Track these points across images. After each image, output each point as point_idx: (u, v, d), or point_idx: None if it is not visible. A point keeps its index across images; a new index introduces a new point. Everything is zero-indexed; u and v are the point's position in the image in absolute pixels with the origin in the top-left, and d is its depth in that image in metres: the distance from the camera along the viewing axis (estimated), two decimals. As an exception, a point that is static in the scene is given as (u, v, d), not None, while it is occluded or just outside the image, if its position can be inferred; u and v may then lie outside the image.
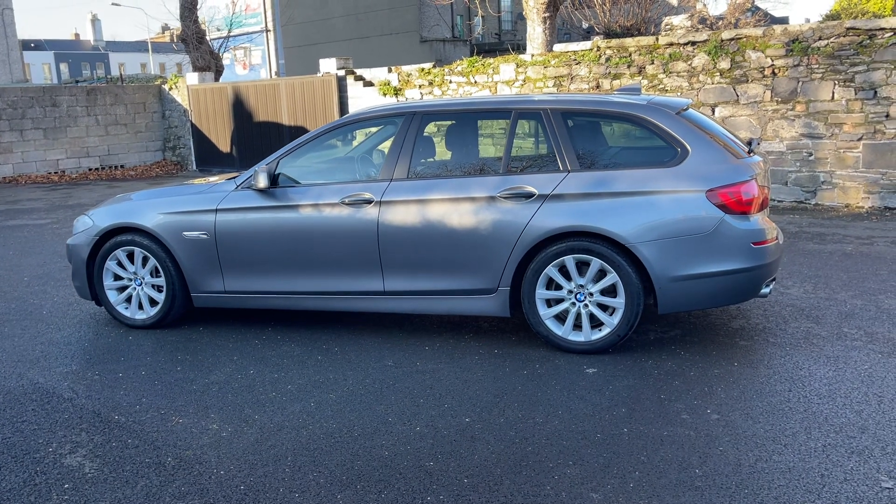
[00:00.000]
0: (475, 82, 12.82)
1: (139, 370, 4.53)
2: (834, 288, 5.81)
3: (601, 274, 4.50)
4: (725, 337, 4.80)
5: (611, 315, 4.52)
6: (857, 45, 9.22)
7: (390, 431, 3.62)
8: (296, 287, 5.04)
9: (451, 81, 13.13)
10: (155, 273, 5.29)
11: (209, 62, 21.42)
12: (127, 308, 5.40)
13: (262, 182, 4.92)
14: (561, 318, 4.63)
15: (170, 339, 5.09)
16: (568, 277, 4.56)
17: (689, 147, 4.44)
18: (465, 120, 5.03)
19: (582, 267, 4.53)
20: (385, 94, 14.12)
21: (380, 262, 4.83)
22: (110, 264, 5.36)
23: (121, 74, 24.70)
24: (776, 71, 9.81)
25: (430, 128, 4.98)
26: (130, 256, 5.33)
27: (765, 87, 9.91)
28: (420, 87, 13.62)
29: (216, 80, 19.43)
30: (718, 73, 10.25)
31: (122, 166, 18.20)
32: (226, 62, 34.87)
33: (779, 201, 10.03)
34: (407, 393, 4.07)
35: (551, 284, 4.60)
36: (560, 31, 35.85)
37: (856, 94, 9.27)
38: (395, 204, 4.77)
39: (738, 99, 10.14)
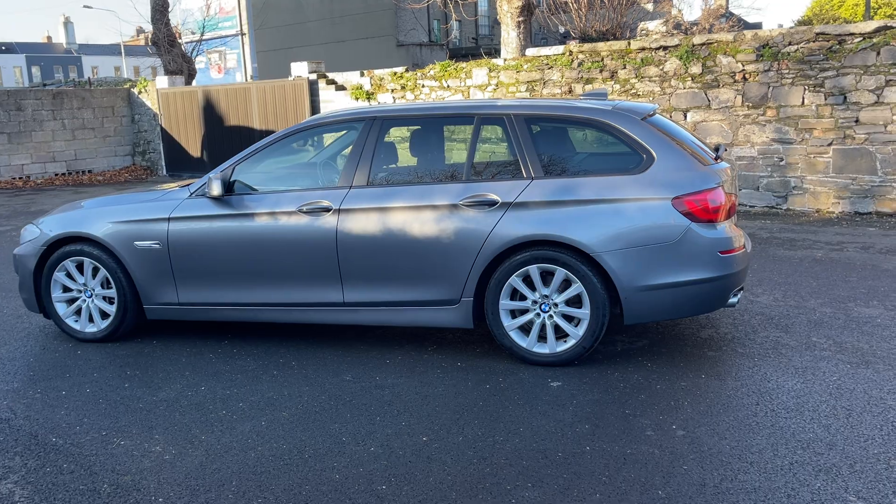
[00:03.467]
0: (448, 87, 12.70)
1: (84, 387, 4.33)
2: (803, 295, 5.73)
3: (566, 284, 4.38)
4: (693, 347, 4.69)
5: (576, 326, 4.40)
6: (827, 50, 9.21)
7: (343, 452, 3.45)
8: (252, 298, 4.86)
9: (423, 86, 13.00)
10: (106, 284, 5.08)
11: (181, 66, 21.12)
12: (77, 321, 5.19)
13: (216, 190, 4.74)
14: (526, 329, 4.49)
15: (120, 354, 4.89)
16: (532, 287, 4.43)
17: (654, 153, 4.33)
18: (427, 125, 4.88)
19: (546, 277, 4.40)
20: (357, 98, 13.95)
21: (339, 273, 4.67)
22: (59, 275, 5.14)
23: (89, 78, 24.31)
24: (747, 76, 9.78)
25: (392, 133, 4.84)
26: (80, 267, 5.12)
27: (736, 92, 9.88)
28: (392, 91, 13.47)
29: (189, 83, 19.15)
30: (690, 78, 10.20)
31: (89, 171, 17.86)
32: (200, 66, 34.51)
33: (750, 206, 10.00)
34: (363, 410, 3.91)
35: (515, 295, 4.47)
36: (537, 35, 35.89)
37: (826, 99, 9.25)
38: (354, 212, 4.61)
39: (709, 104, 10.10)
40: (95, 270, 5.08)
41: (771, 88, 9.63)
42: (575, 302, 4.39)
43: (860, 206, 9.24)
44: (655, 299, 4.30)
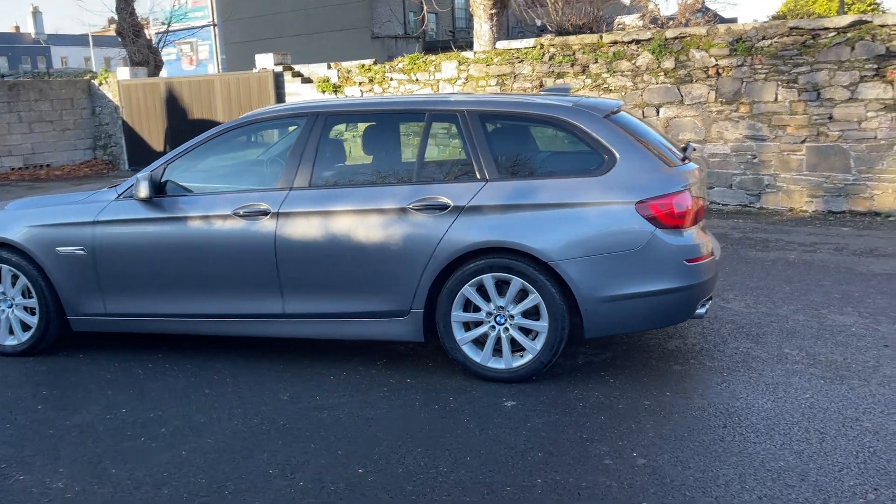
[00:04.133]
0: (417, 80, 12.33)
1: (-7, 409, 3.95)
2: (776, 301, 5.47)
3: (523, 294, 4.06)
4: (659, 360, 4.40)
5: (534, 340, 4.08)
6: (801, 45, 8.97)
7: (269, 487, 3.11)
8: (185, 309, 4.49)
9: (392, 79, 12.62)
10: (27, 293, 4.68)
11: (147, 57, 20.54)
12: (-4, 333, 4.79)
13: (144, 191, 4.36)
14: (481, 342, 4.17)
15: (40, 370, 4.50)
16: (487, 298, 4.10)
17: (616, 154, 4.02)
18: (374, 122, 4.53)
19: (502, 286, 4.08)
20: (324, 91, 13.54)
21: (278, 282, 4.31)
22: (-25, 284, 4.74)
23: (48, 69, 23.60)
24: (720, 71, 9.52)
25: (337, 130, 4.48)
26: (-1, 275, 4.72)
27: (709, 87, 9.62)
28: (360, 84, 13.08)
29: (156, 75, 18.61)
30: (663, 73, 9.93)
31: (47, 166, 17.26)
32: (171, 58, 33.74)
33: (723, 205, 9.75)
34: (298, 436, 3.57)
35: (469, 306, 4.14)
36: (514, 29, 35.53)
37: (799, 95, 9.02)
38: (294, 216, 4.26)
39: (682, 99, 9.84)
40: (15, 278, 4.68)
41: (744, 84, 9.38)
42: (532, 313, 4.08)
43: (833, 205, 9.03)
44: (618, 311, 3.99)
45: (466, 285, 4.08)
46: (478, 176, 4.12)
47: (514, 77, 11.18)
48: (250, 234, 4.30)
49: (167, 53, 33.74)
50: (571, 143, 4.18)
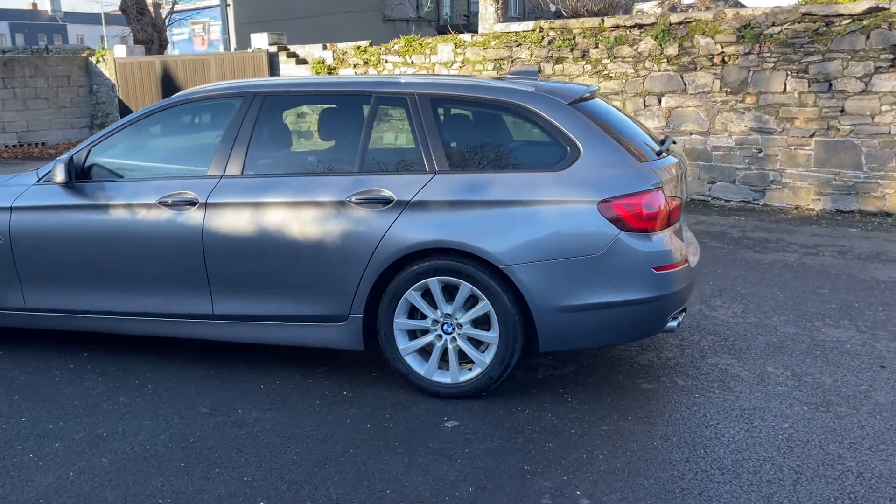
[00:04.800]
0: (412, 63, 11.87)
1: None
2: (766, 311, 5.00)
3: (473, 301, 3.63)
4: (627, 377, 3.96)
5: (484, 352, 3.66)
6: (813, 32, 8.43)
7: (152, 521, 2.71)
8: (109, 306, 4.10)
9: (386, 61, 12.16)
10: (-58, 284, 4.31)
11: (151, 35, 20.22)
12: (-88, 325, 4.42)
13: (60, 176, 3.96)
14: (428, 352, 3.75)
15: (-52, 369, 4.13)
16: (433, 304, 3.68)
17: (580, 146, 3.57)
18: (317, 104, 4.10)
19: (451, 292, 3.65)
20: (318, 73, 13.11)
21: (207, 280, 3.91)
22: None
23: (46, 46, 23.29)
24: (726, 59, 8.99)
25: (276, 112, 4.05)
26: (-86, 263, 4.34)
27: (714, 76, 9.09)
28: (355, 66, 12.64)
29: (161, 53, 18.27)
30: (666, 60, 9.41)
31: (42, 143, 16.96)
32: (183, 37, 33.38)
33: (726, 201, 9.25)
34: (204, 457, 3.17)
35: (415, 313, 3.72)
36: (531, 14, 34.85)
37: (809, 86, 8.48)
38: (223, 207, 3.85)
39: (685, 88, 9.32)
40: (-72, 268, 4.30)
41: (751, 73, 8.85)
42: (483, 323, 3.65)
43: (842, 204, 8.50)
44: (576, 323, 3.56)
45: (410, 289, 3.66)
46: (426, 167, 3.69)
47: (512, 61, 10.69)
48: (176, 226, 3.90)
49: (179, 33, 33.42)
50: (531, 132, 3.73)
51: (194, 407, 3.65)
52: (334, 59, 12.98)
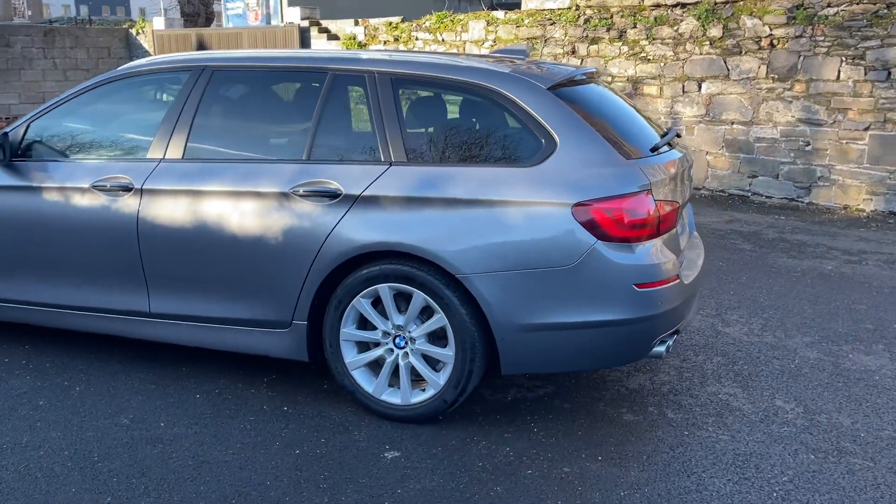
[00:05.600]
0: (442, 40, 11.35)
1: None
2: (788, 329, 4.40)
3: (429, 313, 3.16)
4: (609, 404, 3.45)
5: (439, 371, 3.19)
6: (872, 15, 7.63)
7: (9, 562, 2.34)
8: (46, 298, 3.76)
9: (417, 38, 11.67)
10: None
11: (198, 8, 20.12)
12: None
13: (-12, 154, 3.61)
14: (380, 366, 3.30)
15: None
16: (385, 314, 3.22)
17: (556, 138, 3.05)
18: (269, 81, 3.65)
19: (405, 301, 3.19)
20: (348, 49, 12.68)
21: (143, 275, 3.53)
22: None
23: (90, 17, 23.39)
24: (774, 42, 8.25)
25: (225, 89, 3.62)
26: None
27: (760, 60, 8.36)
28: (385, 42, 12.18)
29: (206, 27, 18.16)
30: (708, 42, 8.70)
31: (80, 115, 16.95)
32: (238, 12, 33.35)
33: (767, 197, 8.54)
34: (101, 482, 2.79)
35: (365, 322, 3.28)
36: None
37: (865, 74, 7.70)
38: (160, 194, 3.45)
39: (728, 74, 8.61)
40: None
41: (801, 58, 8.09)
42: (441, 338, 3.18)
43: (896, 206, 7.73)
44: (543, 344, 3.06)
45: (359, 296, 3.21)
46: (381, 157, 3.21)
47: (545, 41, 10.09)
48: (110, 213, 3.52)
49: (233, 7, 33.44)
50: (503, 120, 3.22)
51: (115, 416, 3.28)
52: (365, 36, 12.55)
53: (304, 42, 13.43)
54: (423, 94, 3.38)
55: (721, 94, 8.72)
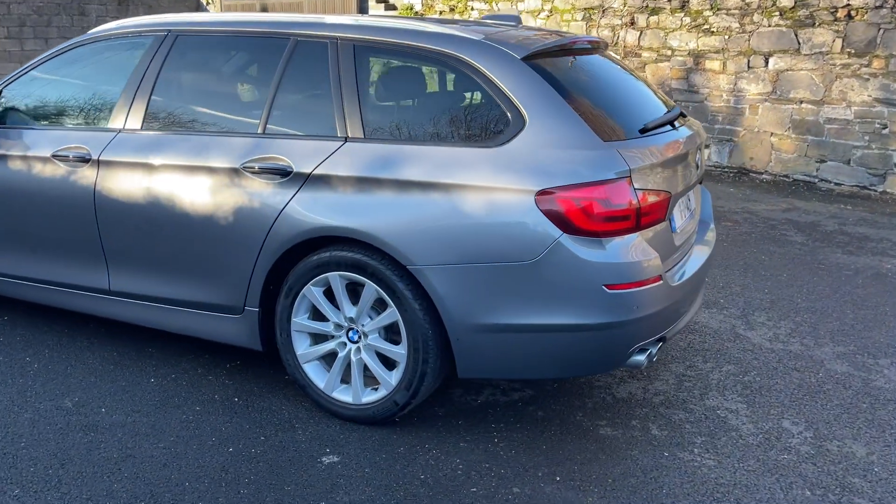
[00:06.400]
0: (498, 10, 10.88)
1: None
2: (820, 336, 3.91)
3: (382, 306, 2.87)
4: (588, 415, 3.09)
5: (393, 370, 2.91)
6: (965, -18, 6.80)
7: None
8: (11, 270, 3.65)
9: (472, 8, 11.25)
10: None
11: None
12: None
13: (-51, 120, 3.50)
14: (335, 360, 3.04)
15: None
16: (338, 305, 2.95)
17: (525, 115, 2.68)
18: (233, 47, 3.39)
19: (359, 291, 2.91)
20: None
21: (102, 250, 3.36)
22: None
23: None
24: (852, 13, 7.48)
25: (188, 55, 3.38)
26: None
27: (835, 33, 7.61)
28: (441, 13, 11.80)
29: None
30: (778, 13, 7.98)
31: (150, 83, 17.26)
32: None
33: (836, 184, 7.82)
34: (16, 474, 2.64)
35: (320, 313, 3.01)
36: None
37: (953, 49, 6.89)
38: (116, 166, 3.26)
39: (799, 48, 7.89)
40: None
41: (881, 32, 7.32)
42: (396, 334, 2.89)
43: (981, 198, 6.93)
44: (502, 347, 2.73)
45: (309, 284, 2.95)
46: (338, 132, 2.92)
47: (603, 11, 9.52)
48: (69, 185, 3.36)
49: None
50: (469, 93, 2.87)
51: (61, 399, 3.13)
52: (423, 5, 12.20)
53: (363, 11, 13.19)
54: (386, 63, 3.05)
55: (790, 70, 8.01)
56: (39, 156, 3.43)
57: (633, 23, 9.23)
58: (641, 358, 2.77)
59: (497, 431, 2.95)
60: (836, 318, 4.16)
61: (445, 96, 2.91)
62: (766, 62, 8.17)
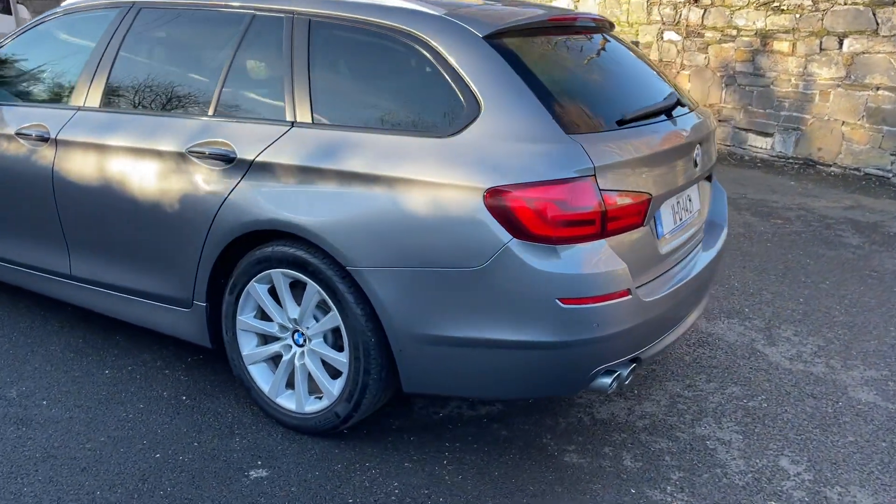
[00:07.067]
0: (558, -14, 10.40)
1: None
2: (851, 356, 3.45)
3: (327, 309, 2.62)
4: (558, 437, 2.77)
5: (338, 378, 2.66)
6: None
7: None
8: (-14, 250, 3.57)
9: (532, -16, 10.77)
10: None
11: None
12: None
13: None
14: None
15: None
16: (283, 306, 2.72)
17: (481, 102, 2.36)
18: (194, 22, 3.15)
19: (303, 291, 2.67)
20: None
21: (62, 233, 3.22)
22: None
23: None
24: (939, -10, 6.73)
25: (149, 29, 3.18)
26: None
27: (918, 13, 6.87)
28: (500, -12, 11.37)
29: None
30: (856, -10, 7.28)
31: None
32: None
33: (912, 179, 7.12)
34: (-70, 465, 2.52)
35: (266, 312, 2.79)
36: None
37: None
38: (73, 147, 3.10)
39: (877, 29, 7.17)
40: None
41: (972, 11, 6.56)
42: (342, 339, 2.64)
43: None
44: (450, 361, 2.44)
45: (253, 281, 2.73)
46: (286, 115, 2.67)
47: (666, -12, 8.93)
48: (30, 164, 3.23)
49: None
50: (424, 75, 2.55)
51: (8, 388, 3.02)
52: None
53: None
54: (341, 40, 2.76)
55: (866, 53, 7.30)
56: (5, 133, 3.31)
57: (696, 0, 8.63)
58: (607, 381, 2.43)
59: (450, 452, 2.67)
60: (874, 337, 3.68)
61: (400, 78, 2.61)
62: (840, 44, 7.47)
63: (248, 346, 2.84)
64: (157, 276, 2.98)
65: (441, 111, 2.43)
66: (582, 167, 2.26)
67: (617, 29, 9.47)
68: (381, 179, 2.41)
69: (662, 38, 9.04)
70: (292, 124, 2.64)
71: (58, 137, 3.13)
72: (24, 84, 3.49)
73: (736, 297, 4.14)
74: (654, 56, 9.06)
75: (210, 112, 2.83)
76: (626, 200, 2.36)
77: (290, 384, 2.80)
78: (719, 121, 8.49)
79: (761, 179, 7.16)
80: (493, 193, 2.26)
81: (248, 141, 2.67)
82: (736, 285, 4.31)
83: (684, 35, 8.78)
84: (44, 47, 3.49)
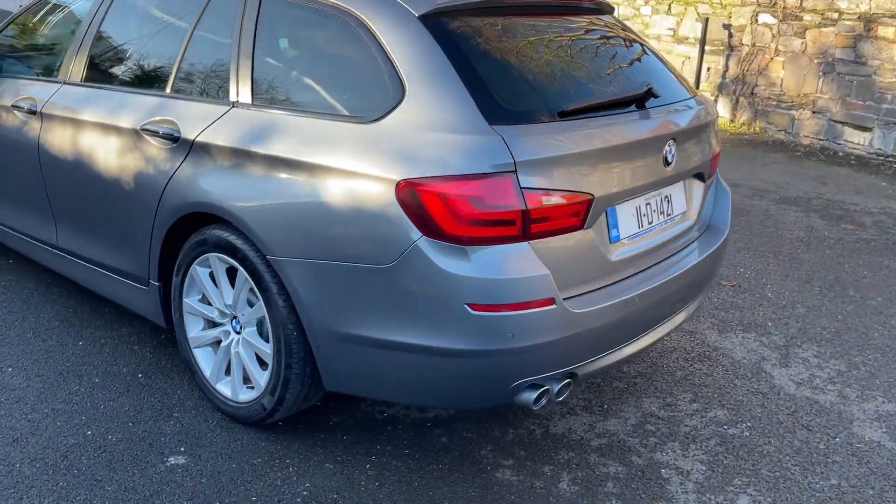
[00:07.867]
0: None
1: None
2: (874, 386, 3.04)
3: (257, 297, 2.53)
4: (499, 450, 2.58)
5: (266, 370, 2.58)
6: None
7: None
8: (-6, 217, 3.71)
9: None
10: None
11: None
12: None
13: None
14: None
15: None
16: (220, 290, 2.66)
17: (405, 86, 2.19)
18: (166, -2, 3.10)
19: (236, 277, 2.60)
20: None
21: (49, 203, 3.29)
22: None
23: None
24: None
25: (128, 5, 3.16)
26: None
27: None
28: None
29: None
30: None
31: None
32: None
33: None
34: None
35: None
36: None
37: None
38: (55, 120, 3.15)
39: None
40: None
41: None
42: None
43: None
44: (363, 362, 2.30)
45: (195, 263, 2.67)
46: (230, 95, 2.58)
47: (763, -34, 8.27)
48: (21, 136, 3.32)
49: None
50: (355, 54, 2.37)
51: (-18, 353, 3.12)
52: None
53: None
54: (287, 16, 2.62)
55: (983, 41, 6.49)
56: (3, 104, 3.40)
57: (794, -20, 7.94)
58: (530, 396, 2.22)
59: (378, 455, 2.53)
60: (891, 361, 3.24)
61: (334, 59, 2.45)
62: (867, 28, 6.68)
63: (195, 329, 2.79)
64: (121, 252, 2.98)
65: (368, 95, 2.27)
66: (499, 162, 2.04)
67: (708, 10, 8.86)
68: (303, 166, 2.28)
69: (757, 20, 8.39)
70: (233, 104, 2.55)
71: (42, 111, 3.18)
72: (24, 58, 3.57)
73: (763, 308, 3.76)
74: (746, 40, 8.43)
75: (168, 90, 2.79)
76: (558, 200, 2.13)
77: (229, 370, 2.73)
78: (813, 112, 7.82)
79: (848, 178, 6.54)
80: (404, 186, 2.09)
81: (191, 121, 2.61)
82: (769, 295, 3.92)
83: (780, 18, 8.11)
84: (50, 21, 3.55)
